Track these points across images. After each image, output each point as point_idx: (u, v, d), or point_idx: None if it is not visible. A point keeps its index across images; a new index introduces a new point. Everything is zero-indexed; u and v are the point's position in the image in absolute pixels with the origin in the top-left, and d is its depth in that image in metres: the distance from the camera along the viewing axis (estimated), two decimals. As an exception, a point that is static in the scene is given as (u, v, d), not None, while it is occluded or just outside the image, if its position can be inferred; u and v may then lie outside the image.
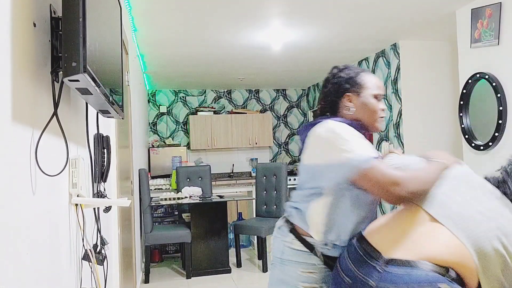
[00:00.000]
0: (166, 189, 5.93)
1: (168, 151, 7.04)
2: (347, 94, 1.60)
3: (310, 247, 1.52)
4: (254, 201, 5.55)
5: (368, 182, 1.39)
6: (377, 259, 1.31)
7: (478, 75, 3.68)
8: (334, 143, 1.43)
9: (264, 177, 5.20)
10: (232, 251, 5.47)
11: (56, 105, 1.21)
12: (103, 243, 1.72)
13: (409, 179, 1.36)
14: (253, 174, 7.59)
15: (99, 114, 1.71)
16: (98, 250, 1.66)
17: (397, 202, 1.41)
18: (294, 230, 1.57)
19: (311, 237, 1.52)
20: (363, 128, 1.59)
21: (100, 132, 1.78)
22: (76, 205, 1.48)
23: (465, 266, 1.27)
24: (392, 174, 1.37)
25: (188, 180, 5.43)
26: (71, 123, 1.48)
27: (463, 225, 1.31)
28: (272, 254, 1.68)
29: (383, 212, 5.29)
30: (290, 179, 7.35)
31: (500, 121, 3.46)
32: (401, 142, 5.00)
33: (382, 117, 1.60)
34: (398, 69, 5.05)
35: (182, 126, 7.67)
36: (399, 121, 5.05)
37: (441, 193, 1.39)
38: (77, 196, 1.45)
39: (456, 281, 1.25)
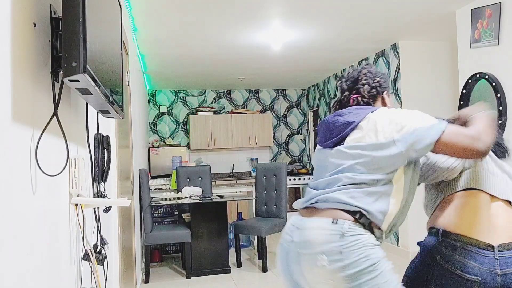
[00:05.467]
0: (166, 189, 5.92)
1: (168, 151, 7.04)
2: (387, 93, 1.74)
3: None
4: (254, 201, 5.54)
5: (452, 144, 1.44)
6: (486, 249, 1.45)
7: (478, 75, 3.68)
8: (413, 116, 1.51)
9: (264, 177, 5.20)
10: (232, 251, 5.47)
11: (56, 105, 1.21)
12: (103, 243, 1.72)
13: (482, 132, 1.44)
14: (253, 174, 7.59)
15: (99, 114, 1.70)
16: (98, 250, 1.66)
17: (480, 156, 1.45)
18: (370, 226, 1.48)
19: (379, 229, 1.50)
20: None
21: (100, 132, 1.78)
22: (76, 205, 1.48)
23: None
24: (469, 132, 1.45)
25: (188, 180, 5.43)
26: (71, 123, 1.48)
27: None
28: (351, 271, 1.39)
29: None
30: (290, 179, 7.37)
31: (500, 121, 3.46)
32: (401, 142, 4.99)
33: None
34: (398, 69, 5.05)
35: (182, 126, 7.67)
36: (399, 121, 5.04)
37: (489, 173, 1.62)
38: (77, 196, 1.45)
39: None
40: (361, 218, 1.46)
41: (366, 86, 1.69)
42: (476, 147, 1.41)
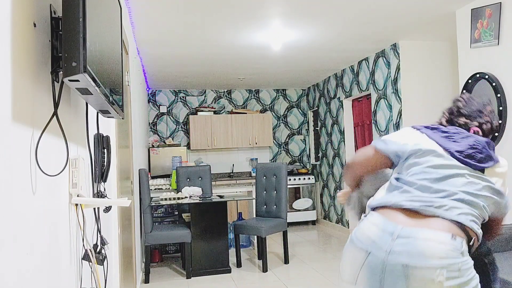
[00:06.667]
0: (166, 189, 5.92)
1: (168, 151, 7.04)
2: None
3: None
4: (254, 201, 5.54)
5: (501, 221, 1.63)
6: None
7: (478, 75, 3.68)
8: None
9: (264, 177, 5.20)
10: (232, 251, 5.47)
11: (56, 105, 1.21)
12: (103, 243, 1.72)
13: None
14: (253, 174, 7.59)
15: (99, 114, 1.71)
16: (98, 250, 1.66)
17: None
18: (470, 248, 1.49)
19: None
20: None
21: (100, 132, 1.78)
22: (76, 205, 1.48)
23: None
24: None
25: (188, 180, 5.43)
26: (71, 123, 1.48)
27: None
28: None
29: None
30: (290, 179, 7.37)
31: (500, 121, 3.46)
32: (401, 142, 4.99)
33: None
34: (398, 69, 5.05)
35: (182, 126, 7.67)
36: (399, 121, 5.05)
37: None
38: (77, 196, 1.45)
39: None
40: (471, 240, 1.47)
41: (488, 125, 1.66)
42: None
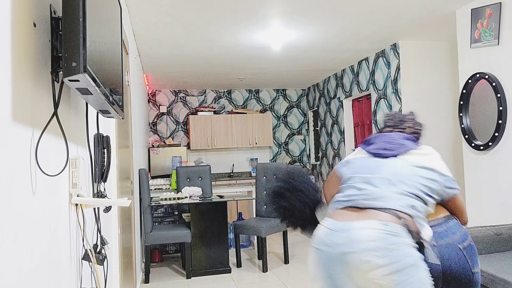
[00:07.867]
0: (166, 189, 5.92)
1: (168, 151, 7.04)
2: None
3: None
4: (254, 201, 5.54)
5: (456, 203, 1.82)
6: None
7: (478, 75, 3.68)
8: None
9: (264, 177, 5.20)
10: (232, 251, 5.47)
11: (56, 105, 1.21)
12: (103, 243, 1.72)
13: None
14: (253, 174, 7.59)
15: (99, 114, 1.71)
16: (98, 250, 1.66)
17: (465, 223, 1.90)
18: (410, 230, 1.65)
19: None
20: None
21: (100, 132, 1.78)
22: (76, 205, 1.48)
23: None
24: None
25: (188, 180, 5.43)
26: (71, 123, 1.48)
27: None
28: (403, 261, 1.53)
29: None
30: (290, 179, 7.35)
31: (500, 121, 3.46)
32: (401, 142, 4.99)
33: None
34: (398, 69, 5.05)
35: (182, 126, 7.67)
36: (399, 121, 5.05)
37: None
38: (77, 196, 1.45)
39: None
40: (407, 222, 1.62)
41: (410, 129, 1.97)
42: (467, 216, 1.88)
